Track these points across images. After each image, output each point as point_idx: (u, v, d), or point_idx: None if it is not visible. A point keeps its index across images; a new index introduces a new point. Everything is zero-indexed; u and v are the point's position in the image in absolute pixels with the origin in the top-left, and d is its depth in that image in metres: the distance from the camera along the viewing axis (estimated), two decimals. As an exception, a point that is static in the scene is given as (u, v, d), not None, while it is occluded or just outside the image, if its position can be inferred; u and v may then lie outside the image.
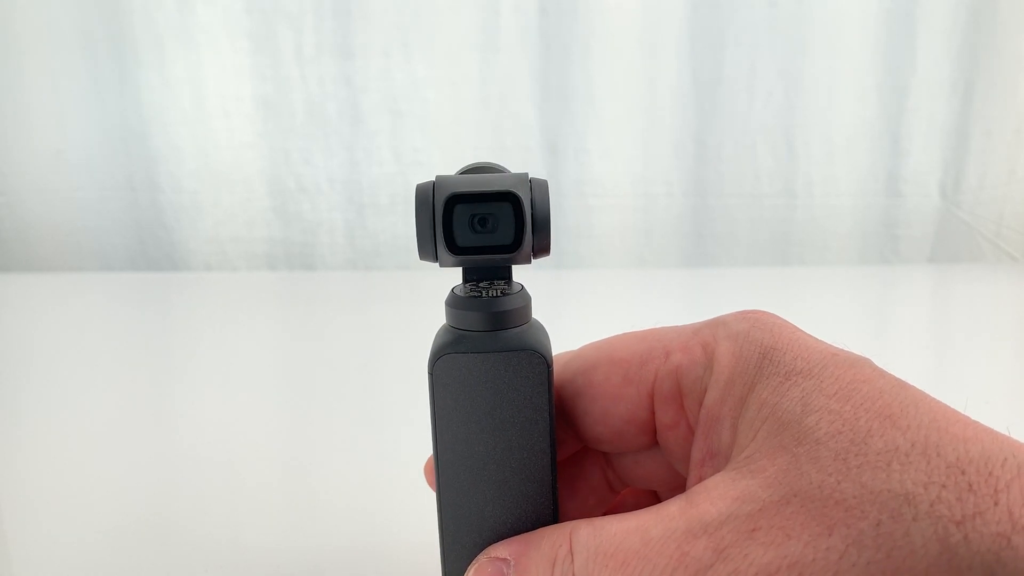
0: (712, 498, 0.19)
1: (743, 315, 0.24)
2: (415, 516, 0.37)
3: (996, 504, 0.16)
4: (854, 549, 0.16)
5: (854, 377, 0.20)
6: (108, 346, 0.68)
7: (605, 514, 0.28)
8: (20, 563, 0.35)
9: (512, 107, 0.89)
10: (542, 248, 0.23)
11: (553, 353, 0.24)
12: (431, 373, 0.23)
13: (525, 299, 0.24)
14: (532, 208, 0.23)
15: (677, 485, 0.27)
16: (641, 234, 0.94)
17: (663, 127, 0.90)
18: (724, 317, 0.24)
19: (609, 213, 0.93)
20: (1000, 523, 0.15)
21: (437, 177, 0.23)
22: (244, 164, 0.90)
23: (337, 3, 0.85)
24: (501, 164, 0.25)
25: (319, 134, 0.89)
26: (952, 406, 0.19)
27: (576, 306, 0.79)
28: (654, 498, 0.28)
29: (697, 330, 0.24)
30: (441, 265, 0.23)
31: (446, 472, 0.24)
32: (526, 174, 0.23)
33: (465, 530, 0.24)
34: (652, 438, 0.26)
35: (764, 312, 0.24)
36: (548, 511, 0.24)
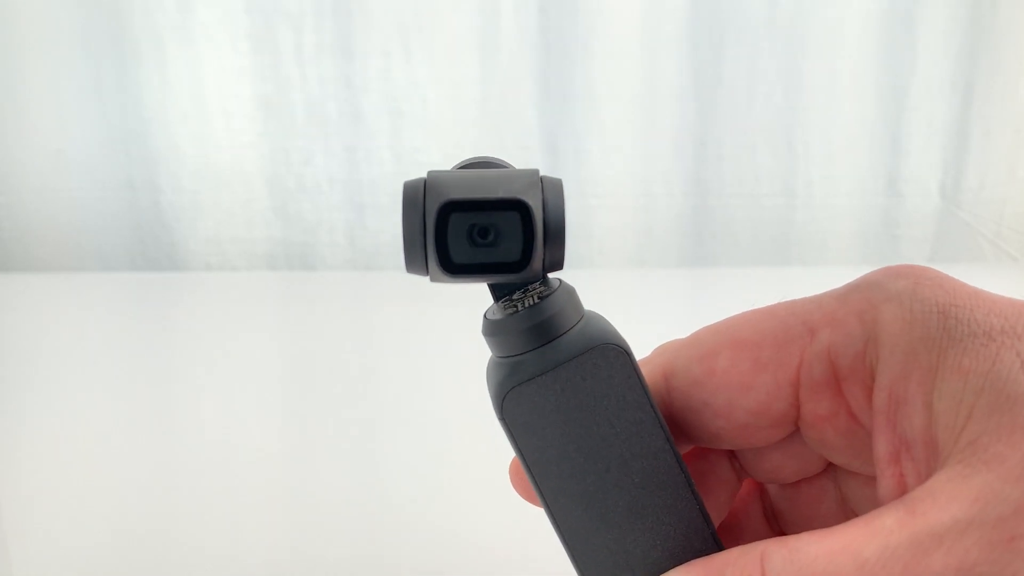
0: (940, 503, 0.15)
1: (896, 271, 0.19)
2: (414, 516, 0.37)
3: None
4: None
5: None
6: (108, 346, 0.68)
7: (736, 508, 0.25)
8: (20, 563, 0.35)
9: (512, 107, 0.89)
10: (555, 263, 0.19)
11: (663, 341, 0.21)
12: (502, 419, 0.19)
13: (569, 293, 0.20)
14: (544, 216, 0.19)
15: (817, 478, 0.23)
16: (641, 234, 0.94)
17: (663, 127, 0.90)
18: (872, 276, 0.19)
19: (609, 213, 0.92)
20: None
21: (429, 174, 0.19)
22: (244, 164, 0.90)
23: (337, 3, 0.85)
24: (503, 159, 0.21)
25: (319, 134, 0.89)
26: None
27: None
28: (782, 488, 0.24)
29: (843, 297, 0.20)
30: (432, 280, 0.20)
31: (566, 518, 0.20)
32: (536, 172, 0.19)
33: (614, 574, 0.20)
34: (785, 431, 0.22)
35: (921, 266, 0.19)
36: (698, 520, 0.20)
